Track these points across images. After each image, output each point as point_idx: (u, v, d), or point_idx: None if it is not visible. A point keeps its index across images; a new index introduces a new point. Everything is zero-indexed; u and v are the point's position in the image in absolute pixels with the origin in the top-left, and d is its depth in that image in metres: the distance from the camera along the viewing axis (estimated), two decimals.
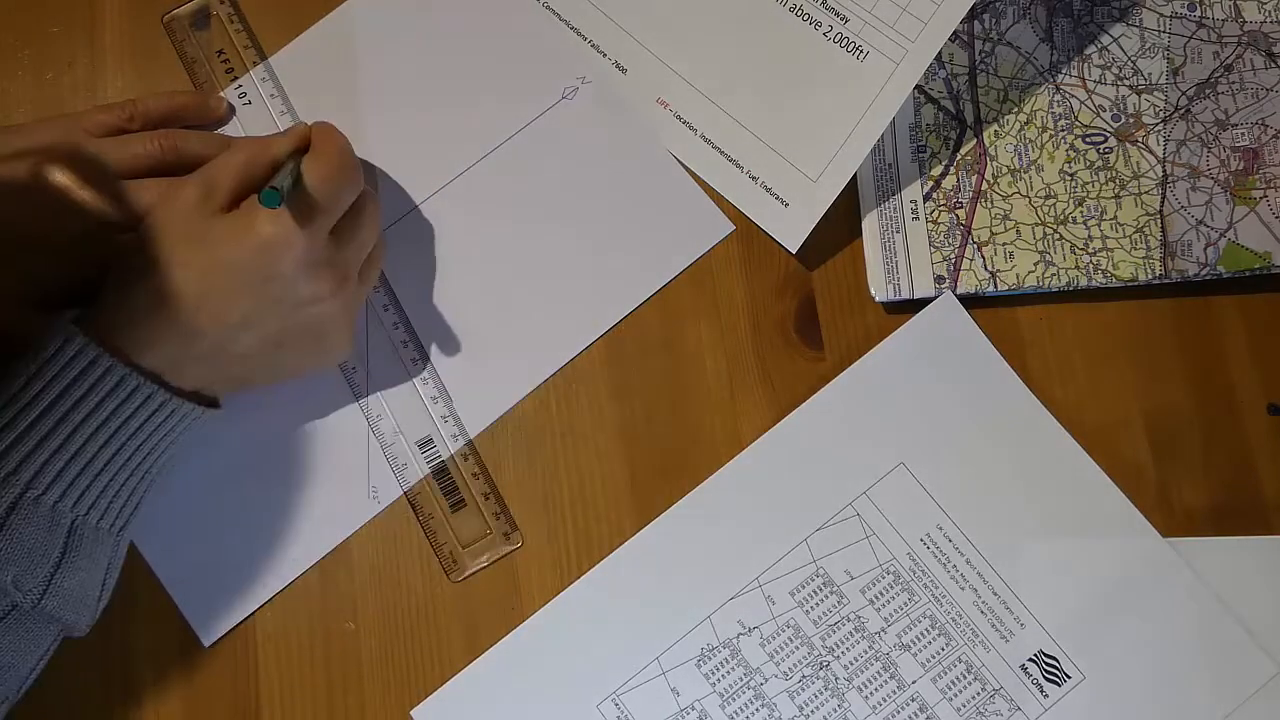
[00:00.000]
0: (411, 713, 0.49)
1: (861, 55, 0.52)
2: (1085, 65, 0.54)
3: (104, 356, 0.42)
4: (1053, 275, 0.52)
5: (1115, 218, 0.53)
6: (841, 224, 0.54)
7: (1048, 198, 0.53)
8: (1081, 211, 0.53)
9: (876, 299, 0.53)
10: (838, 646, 0.50)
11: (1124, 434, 0.52)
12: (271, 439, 0.52)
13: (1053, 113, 0.54)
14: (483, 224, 0.54)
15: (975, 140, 0.54)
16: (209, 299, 0.44)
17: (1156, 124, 0.54)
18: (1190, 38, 0.54)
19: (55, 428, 0.42)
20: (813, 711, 0.49)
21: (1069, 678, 0.49)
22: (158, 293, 0.44)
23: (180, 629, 0.50)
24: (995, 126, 0.54)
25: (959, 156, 0.54)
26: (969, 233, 0.53)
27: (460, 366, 0.53)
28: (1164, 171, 0.53)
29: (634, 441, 0.52)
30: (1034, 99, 0.54)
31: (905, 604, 0.50)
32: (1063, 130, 0.54)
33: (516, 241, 0.54)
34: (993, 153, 0.54)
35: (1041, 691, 0.49)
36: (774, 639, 0.50)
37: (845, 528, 0.51)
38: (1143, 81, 0.54)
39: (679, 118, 0.55)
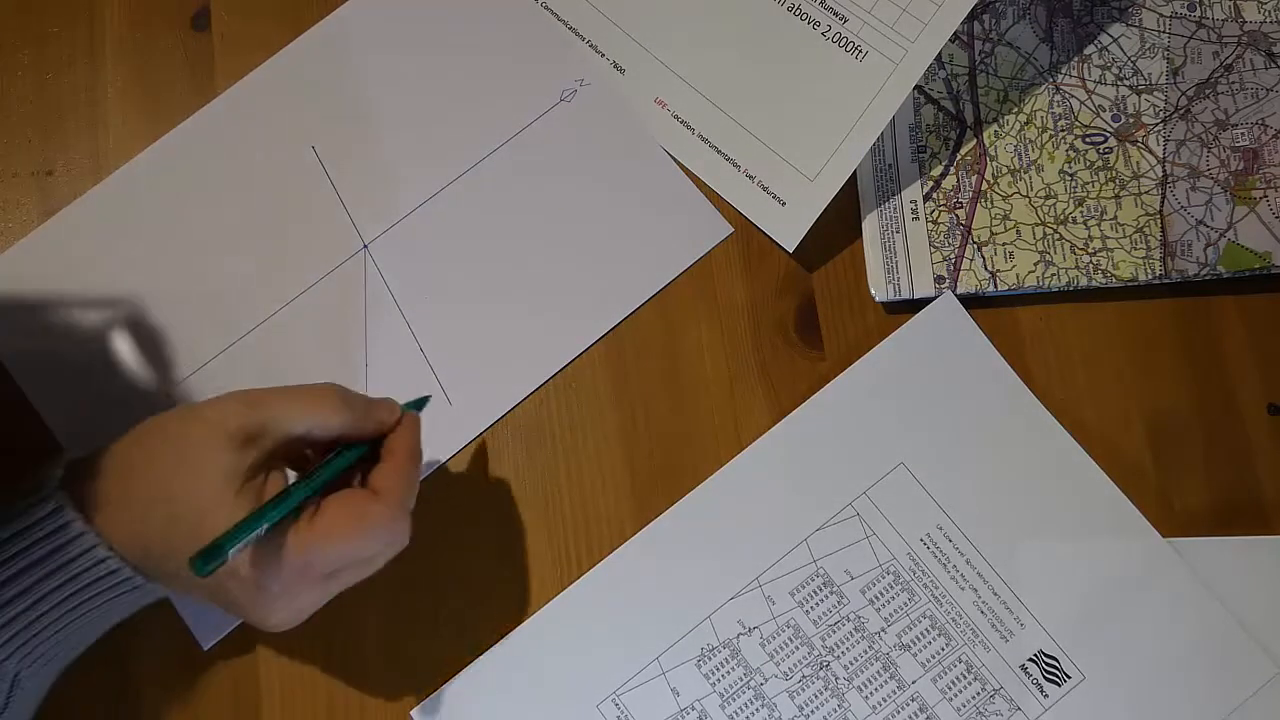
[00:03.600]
0: (411, 713, 0.49)
1: (860, 55, 0.52)
2: (1085, 65, 0.54)
3: (88, 534, 0.41)
4: (1053, 275, 0.52)
5: (1115, 218, 0.53)
6: (841, 224, 0.54)
7: (1048, 198, 0.53)
8: (1081, 211, 0.53)
9: (876, 299, 0.53)
10: (838, 646, 0.50)
11: (1124, 434, 0.52)
12: None
13: (1053, 113, 0.54)
14: (483, 226, 0.54)
15: (975, 140, 0.54)
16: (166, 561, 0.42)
17: (1156, 124, 0.54)
18: (1190, 38, 0.54)
19: (24, 593, 0.41)
20: (813, 711, 0.49)
21: (1069, 678, 0.49)
22: (156, 519, 0.41)
23: (180, 633, 0.50)
24: (995, 126, 0.54)
25: (959, 156, 0.54)
26: (969, 233, 0.53)
27: (460, 367, 0.53)
28: (1164, 171, 0.53)
29: (634, 441, 0.52)
30: (1034, 99, 0.54)
31: (905, 604, 0.50)
32: (1063, 130, 0.54)
33: (516, 243, 0.54)
34: (993, 153, 0.54)
35: (1041, 691, 0.49)
36: (774, 639, 0.50)
37: (845, 528, 0.51)
38: (1143, 81, 0.54)
39: (677, 117, 0.55)
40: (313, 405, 0.42)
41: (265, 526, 0.39)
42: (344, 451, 0.44)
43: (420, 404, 0.47)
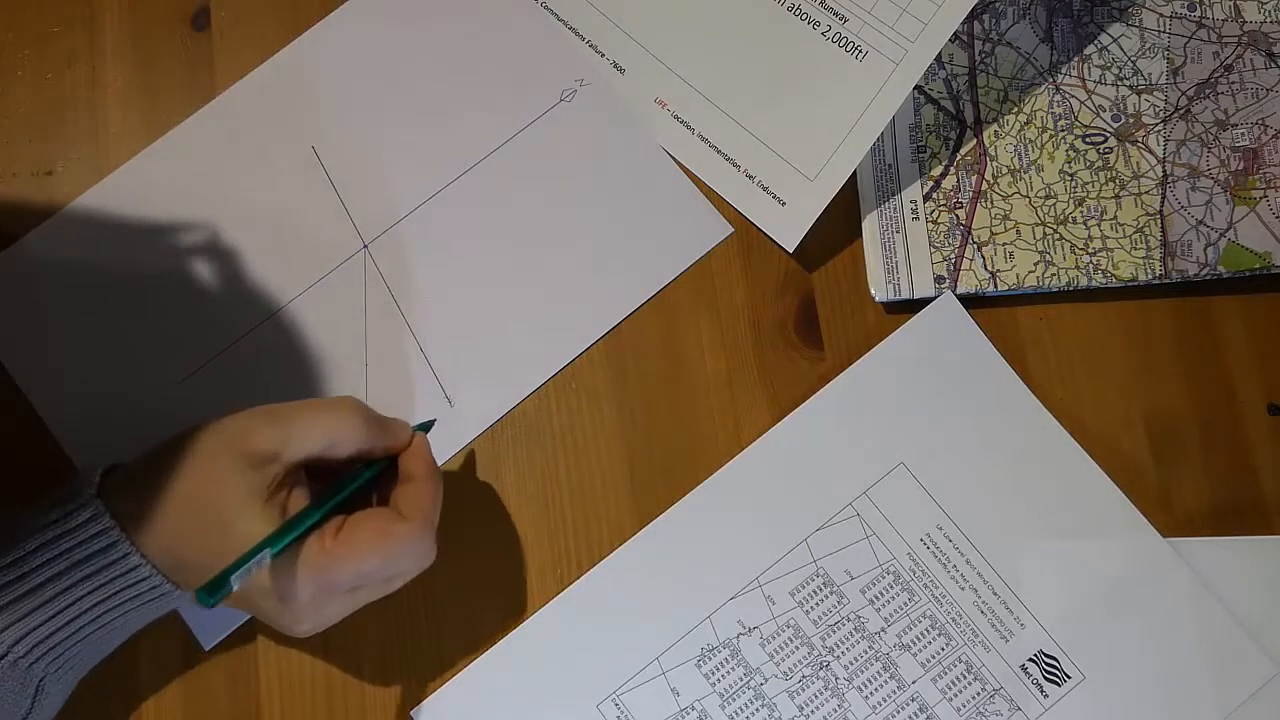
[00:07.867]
0: (411, 713, 0.49)
1: (860, 55, 0.52)
2: (1085, 65, 0.54)
3: (123, 542, 0.41)
4: (1053, 275, 0.52)
5: (1115, 218, 0.53)
6: (841, 224, 0.54)
7: (1048, 198, 0.53)
8: (1081, 211, 0.53)
9: (876, 299, 0.53)
10: (838, 646, 0.50)
11: (1124, 434, 0.52)
12: None
13: (1053, 113, 0.54)
14: (483, 226, 0.54)
15: (975, 140, 0.54)
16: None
17: (1156, 124, 0.54)
18: (1190, 38, 0.54)
19: (55, 599, 0.41)
20: (813, 711, 0.49)
21: (1069, 678, 0.49)
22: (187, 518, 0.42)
23: (180, 634, 0.50)
24: (995, 126, 0.54)
25: (959, 156, 0.54)
26: (969, 233, 0.53)
27: (460, 367, 0.53)
28: (1164, 171, 0.53)
29: (634, 442, 0.52)
30: (1034, 99, 0.54)
31: (905, 604, 0.50)
32: (1063, 130, 0.54)
33: (517, 243, 0.54)
34: (993, 153, 0.54)
35: (1041, 691, 0.49)
36: (774, 639, 0.50)
37: (845, 528, 0.51)
38: (1143, 81, 0.54)
39: (677, 117, 0.55)
40: (333, 423, 0.43)
41: (269, 554, 0.40)
42: (361, 471, 0.45)
43: (427, 426, 0.48)
